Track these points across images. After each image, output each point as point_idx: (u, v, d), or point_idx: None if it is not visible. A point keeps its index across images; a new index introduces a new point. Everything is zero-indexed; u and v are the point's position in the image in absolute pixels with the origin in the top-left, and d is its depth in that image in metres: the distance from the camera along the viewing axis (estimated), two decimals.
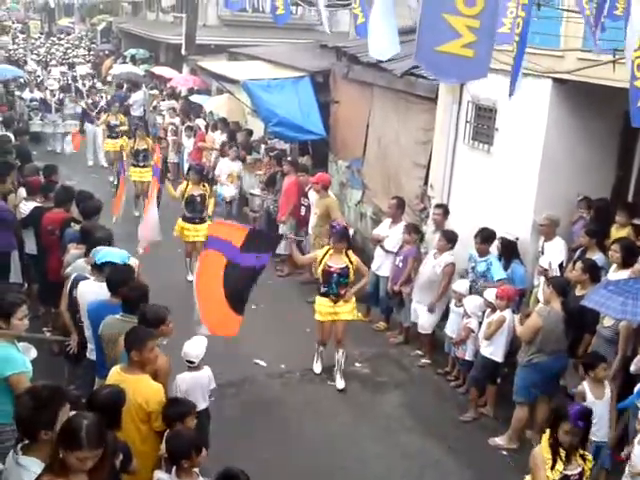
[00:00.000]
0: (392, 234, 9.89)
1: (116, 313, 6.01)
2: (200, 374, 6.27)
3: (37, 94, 21.84)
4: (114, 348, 5.80)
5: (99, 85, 23.29)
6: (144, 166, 14.59)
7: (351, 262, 8.32)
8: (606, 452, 6.47)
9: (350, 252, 8.42)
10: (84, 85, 25.50)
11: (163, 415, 5.10)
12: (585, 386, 6.42)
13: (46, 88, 22.34)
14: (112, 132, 17.30)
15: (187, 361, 6.23)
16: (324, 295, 8.40)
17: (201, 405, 5.96)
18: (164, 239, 10.51)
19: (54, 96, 21.47)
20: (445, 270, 8.84)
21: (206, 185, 11.52)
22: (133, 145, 14.94)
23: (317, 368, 8.77)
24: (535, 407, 7.41)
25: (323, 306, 8.42)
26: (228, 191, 14.24)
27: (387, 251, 9.89)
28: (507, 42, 6.33)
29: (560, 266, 7.98)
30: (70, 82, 25.99)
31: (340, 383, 8.44)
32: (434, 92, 10.18)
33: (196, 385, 6.14)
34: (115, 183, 16.72)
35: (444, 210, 9.48)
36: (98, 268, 6.69)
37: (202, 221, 11.19)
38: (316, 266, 8.43)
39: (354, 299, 8.52)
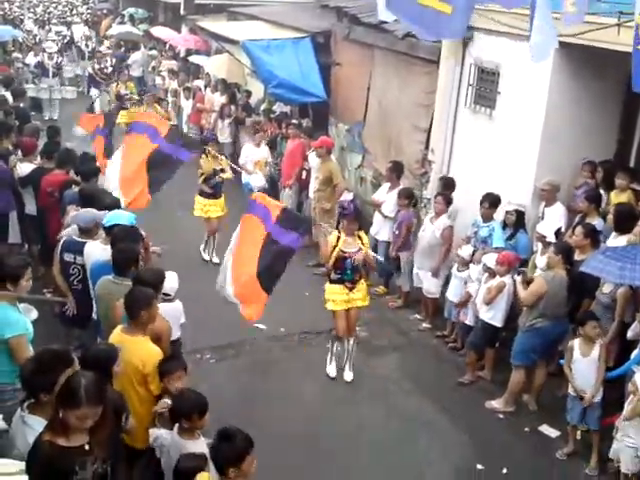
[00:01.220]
0: (389, 199, 9.86)
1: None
2: (174, 306, 6.56)
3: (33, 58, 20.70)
4: (105, 308, 5.90)
5: (104, 49, 22.52)
6: None
7: (363, 244, 7.78)
8: (595, 414, 6.56)
9: (362, 233, 7.94)
10: (87, 46, 24.64)
11: (158, 370, 5.13)
12: (575, 342, 6.60)
13: (43, 50, 21.15)
14: (123, 102, 16.45)
15: (163, 294, 6.34)
16: (337, 282, 7.76)
17: (175, 335, 6.33)
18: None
19: (52, 59, 20.31)
20: (444, 234, 8.84)
21: (223, 159, 10.83)
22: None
23: (332, 371, 8.05)
24: (532, 371, 7.48)
25: (337, 294, 7.78)
26: (257, 180, 12.05)
27: (385, 216, 9.87)
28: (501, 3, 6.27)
29: (557, 232, 7.94)
30: (69, 42, 25.42)
31: (349, 375, 7.98)
32: (436, 54, 10.06)
33: (170, 316, 6.23)
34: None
35: (444, 183, 9.46)
36: (106, 231, 6.71)
37: (220, 196, 10.75)
38: (328, 253, 7.77)
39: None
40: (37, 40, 24.88)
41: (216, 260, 10.59)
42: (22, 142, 9.74)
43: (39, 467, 3.71)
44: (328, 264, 7.82)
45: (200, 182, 10.65)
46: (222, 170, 10.58)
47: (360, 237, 7.81)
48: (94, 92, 18.78)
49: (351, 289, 7.75)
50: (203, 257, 10.98)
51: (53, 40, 23.77)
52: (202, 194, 10.67)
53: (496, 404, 7.56)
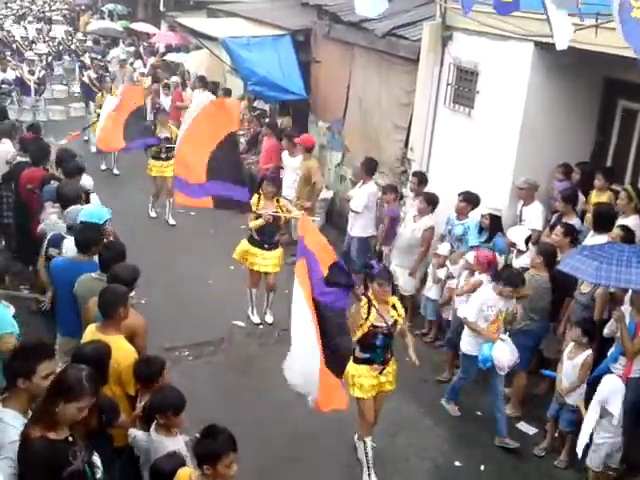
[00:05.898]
0: (358, 194, 9.89)
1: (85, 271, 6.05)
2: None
3: (11, 73, 17.48)
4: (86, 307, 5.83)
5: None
6: (166, 158, 11.98)
7: (399, 315, 6.23)
8: (572, 416, 6.58)
9: (395, 300, 6.35)
10: (91, 60, 21.27)
11: (134, 374, 5.07)
12: (569, 345, 6.64)
13: (24, 61, 18.40)
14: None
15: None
16: (364, 362, 6.18)
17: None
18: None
19: (33, 74, 17.42)
20: (425, 235, 8.84)
21: (281, 200, 8.90)
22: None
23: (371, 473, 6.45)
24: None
25: (365, 378, 6.18)
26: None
27: (352, 211, 9.87)
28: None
29: (527, 240, 7.90)
30: (61, 48, 23.97)
31: None
32: (416, 53, 10.07)
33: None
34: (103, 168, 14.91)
35: (419, 179, 9.42)
36: None
37: (273, 247, 8.86)
38: (357, 324, 6.08)
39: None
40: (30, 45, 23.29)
41: (270, 319, 9.22)
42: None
43: (35, 463, 3.75)
44: (354, 338, 6.02)
45: (250, 224, 8.78)
46: (275, 219, 8.57)
47: (395, 306, 6.28)
48: (92, 107, 16.07)
49: (381, 371, 6.23)
50: (252, 320, 9.21)
51: (39, 53, 21.45)
52: (250, 240, 8.86)
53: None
